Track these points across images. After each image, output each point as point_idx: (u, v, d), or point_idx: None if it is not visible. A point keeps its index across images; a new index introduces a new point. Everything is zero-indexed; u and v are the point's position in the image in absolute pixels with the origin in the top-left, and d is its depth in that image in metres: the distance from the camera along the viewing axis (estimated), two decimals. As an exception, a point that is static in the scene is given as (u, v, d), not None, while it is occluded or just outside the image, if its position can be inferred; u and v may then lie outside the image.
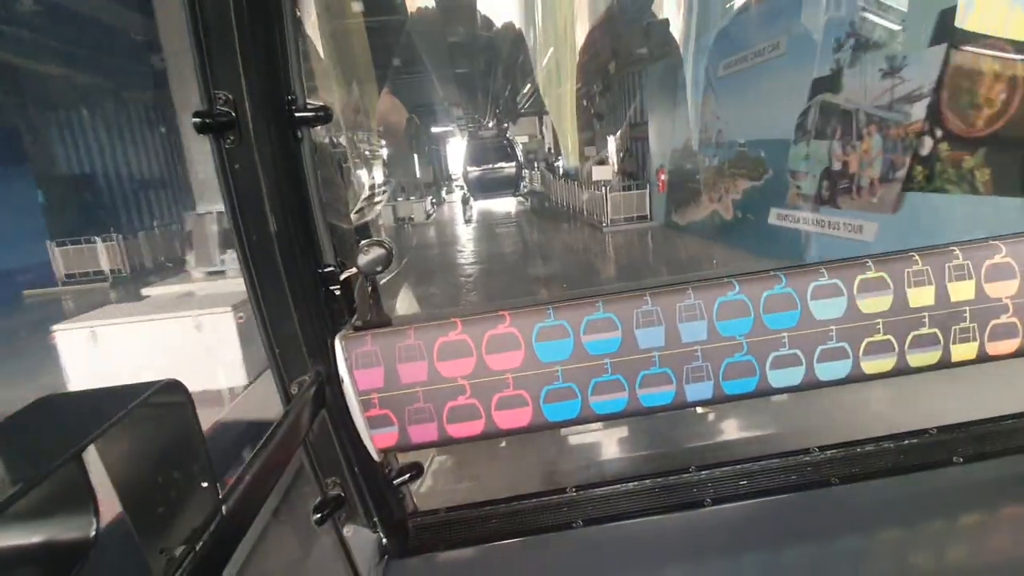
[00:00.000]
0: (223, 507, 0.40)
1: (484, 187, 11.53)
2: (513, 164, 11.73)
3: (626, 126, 9.16)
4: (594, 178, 7.93)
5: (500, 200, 12.48)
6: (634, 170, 8.19)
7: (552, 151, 13.29)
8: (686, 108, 5.88)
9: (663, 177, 6.84)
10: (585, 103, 11.54)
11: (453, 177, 16.29)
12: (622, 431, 1.95)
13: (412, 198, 10.63)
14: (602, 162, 9.03)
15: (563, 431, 1.67)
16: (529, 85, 11.15)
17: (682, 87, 5.97)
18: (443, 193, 14.64)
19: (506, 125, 14.36)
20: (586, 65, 8.45)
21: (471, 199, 11.97)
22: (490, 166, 11.81)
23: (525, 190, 12.78)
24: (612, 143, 10.88)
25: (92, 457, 0.31)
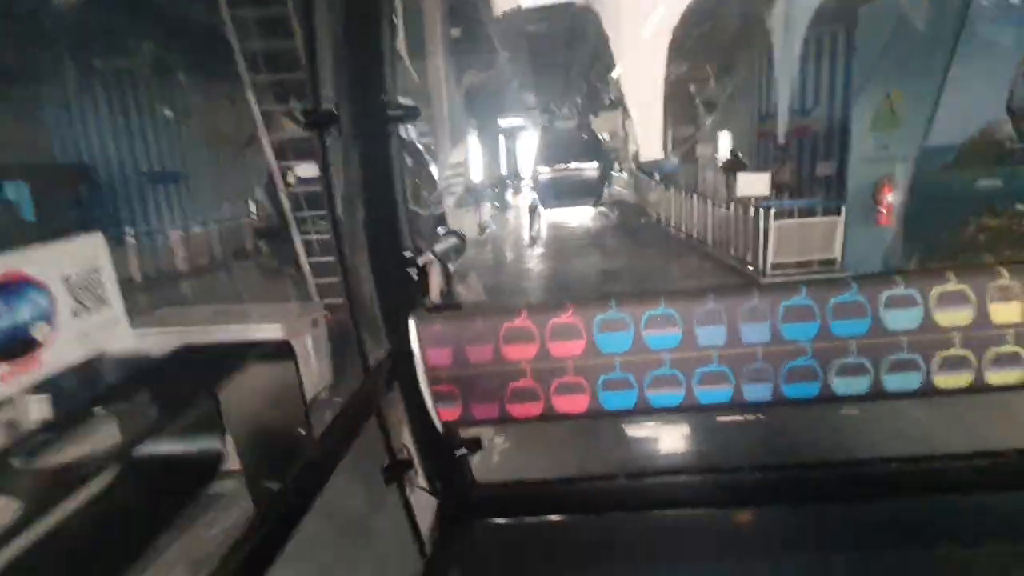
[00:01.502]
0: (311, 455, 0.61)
1: (558, 193, 11.08)
2: (596, 165, 11.18)
3: (755, 118, 8.65)
4: (740, 192, 6.07)
5: (577, 211, 11.97)
6: (788, 181, 7.04)
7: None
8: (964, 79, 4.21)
9: (890, 198, 4.88)
10: (692, 88, 11.45)
11: (521, 176, 16.22)
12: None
13: (463, 206, 9.24)
14: (735, 164, 7.90)
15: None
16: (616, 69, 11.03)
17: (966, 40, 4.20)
18: (508, 195, 14.54)
19: (588, 116, 13.90)
20: (686, 42, 8.37)
21: (539, 208, 11.50)
22: (566, 166, 11.36)
23: (608, 198, 12.18)
24: (724, 140, 10.53)
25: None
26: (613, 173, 13.07)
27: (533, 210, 11.65)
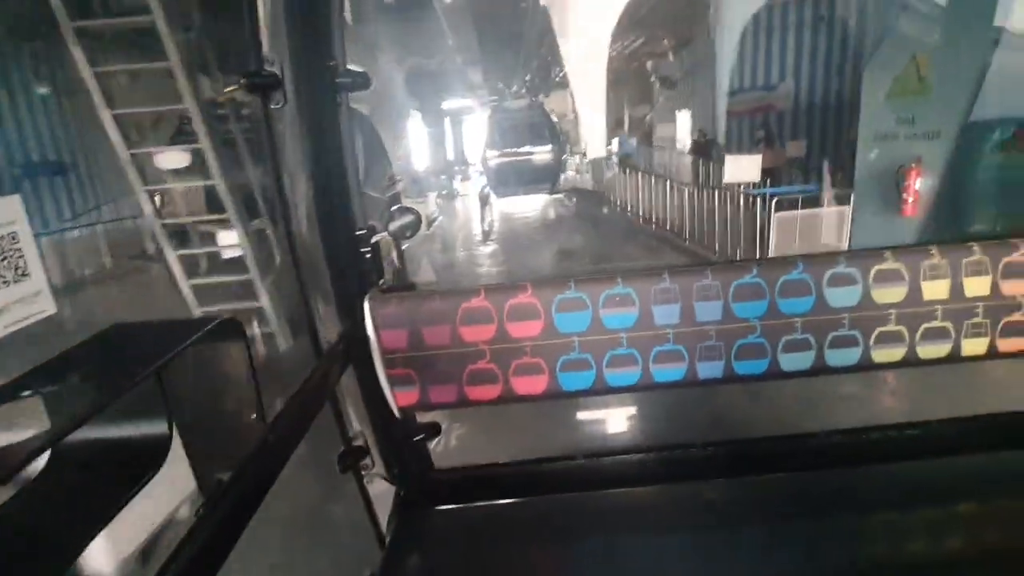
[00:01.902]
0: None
1: (510, 179, 11.00)
2: (550, 148, 11.20)
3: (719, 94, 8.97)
4: (728, 177, 5.27)
5: (532, 199, 11.72)
6: (779, 164, 6.71)
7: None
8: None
9: (917, 184, 3.86)
10: (648, 65, 11.93)
11: (469, 162, 15.92)
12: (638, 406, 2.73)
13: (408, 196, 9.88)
14: (702, 146, 8.24)
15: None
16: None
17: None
18: (457, 184, 14.24)
19: (539, 96, 13.92)
20: (640, 12, 8.69)
21: (491, 196, 11.29)
22: (518, 150, 11.27)
23: (564, 184, 11.97)
24: (683, 119, 11.08)
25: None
26: (566, 157, 13.13)
27: (484, 200, 11.25)
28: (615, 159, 11.06)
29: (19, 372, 0.51)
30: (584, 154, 13.78)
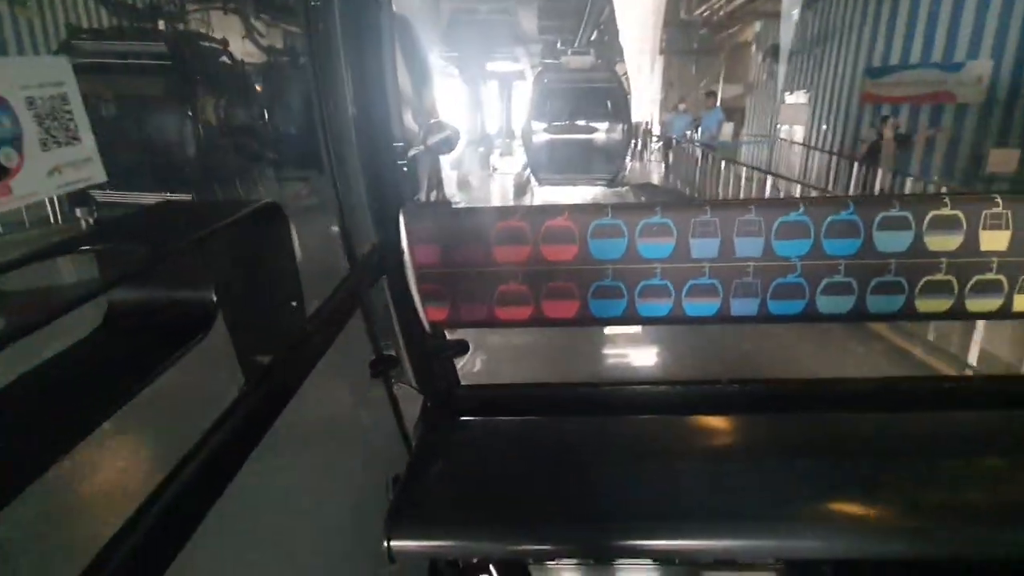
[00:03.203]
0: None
1: (558, 162, 10.41)
2: (620, 127, 10.38)
3: (856, 73, 8.64)
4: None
5: (585, 191, 11.21)
6: None
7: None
8: None
9: None
10: (748, 32, 11.74)
11: (513, 134, 15.46)
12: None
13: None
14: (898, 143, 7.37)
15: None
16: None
17: None
18: (496, 158, 14.27)
19: (613, 57, 13.12)
20: None
21: (532, 183, 11.06)
22: (574, 125, 10.44)
23: (627, 177, 11.34)
24: (794, 101, 10.83)
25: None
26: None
27: (523, 187, 11.03)
28: (696, 146, 10.87)
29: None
30: (650, 134, 13.30)
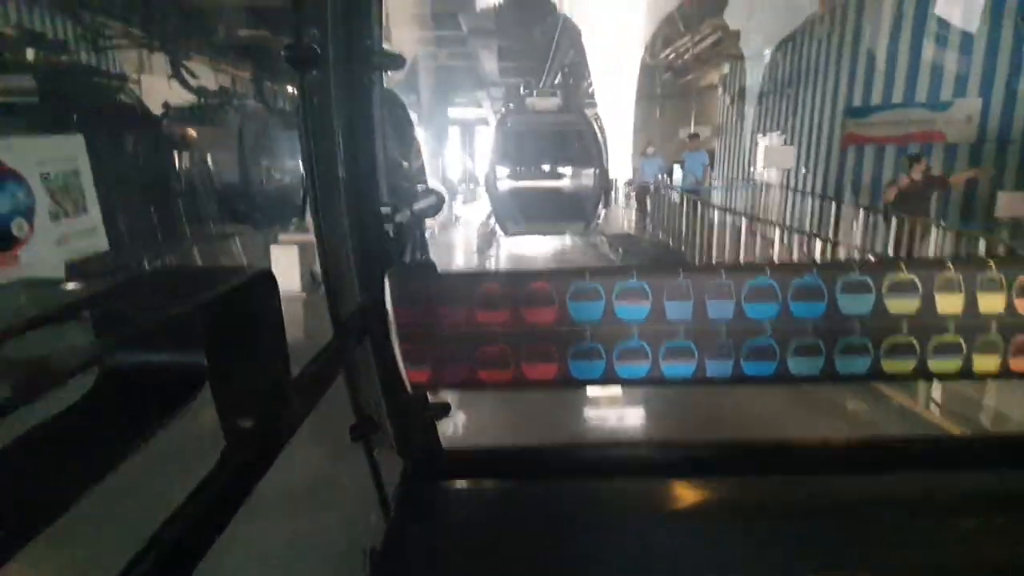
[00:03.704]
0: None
1: (528, 211, 10.48)
2: (591, 171, 10.58)
3: (834, 112, 8.80)
4: None
5: (555, 241, 11.63)
6: None
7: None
8: None
9: None
10: (716, 72, 12.59)
11: (476, 180, 15.96)
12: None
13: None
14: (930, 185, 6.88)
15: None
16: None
17: None
18: (459, 205, 14.66)
19: (580, 98, 13.13)
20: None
21: (497, 234, 11.26)
22: (543, 170, 10.67)
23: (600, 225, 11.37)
24: (769, 143, 11.58)
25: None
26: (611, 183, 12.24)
27: (487, 238, 11.05)
28: (675, 191, 11.11)
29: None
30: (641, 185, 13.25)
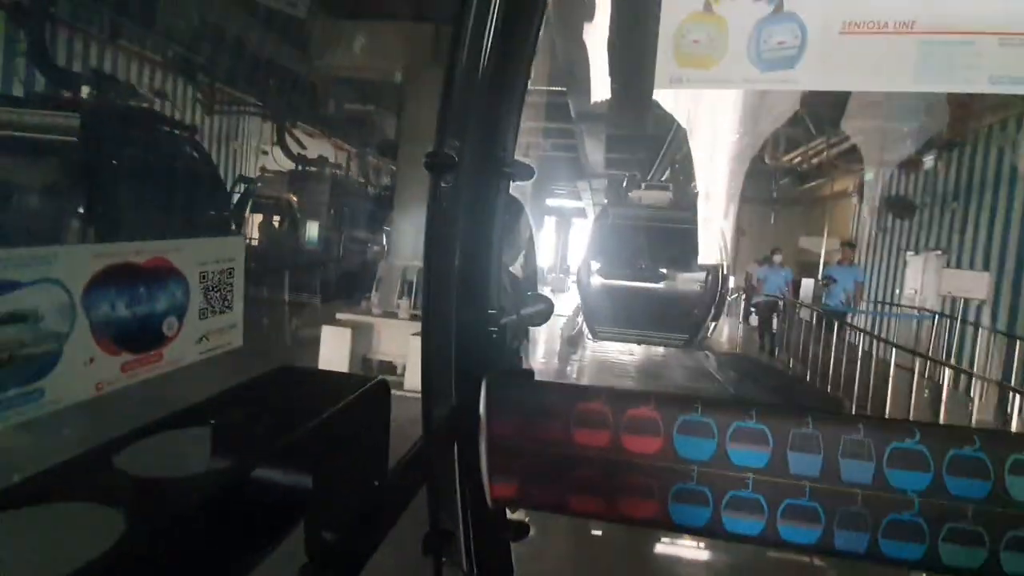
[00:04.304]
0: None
1: (621, 315, 10.19)
2: (701, 277, 10.31)
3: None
4: None
5: (650, 352, 11.12)
6: None
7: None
8: None
9: None
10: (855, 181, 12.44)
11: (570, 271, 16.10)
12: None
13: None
14: None
15: None
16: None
17: None
18: (546, 292, 14.96)
19: (693, 192, 12.56)
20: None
21: (583, 337, 11.17)
22: (644, 270, 10.41)
23: (713, 343, 10.91)
24: (920, 264, 11.06)
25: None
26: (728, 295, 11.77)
27: (573, 341, 10.92)
28: (824, 311, 9.91)
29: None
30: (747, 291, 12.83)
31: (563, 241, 20.66)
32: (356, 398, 0.95)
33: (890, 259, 12.56)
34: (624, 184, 12.38)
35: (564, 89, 11.71)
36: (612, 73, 9.58)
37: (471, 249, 1.39)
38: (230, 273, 1.15)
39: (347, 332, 8.15)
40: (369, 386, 0.99)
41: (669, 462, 1.22)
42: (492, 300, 1.45)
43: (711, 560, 4.41)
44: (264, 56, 11.48)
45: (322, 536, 0.93)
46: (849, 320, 9.93)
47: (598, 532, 4.00)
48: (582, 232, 16.44)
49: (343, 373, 1.13)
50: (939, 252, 11.27)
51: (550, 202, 18.81)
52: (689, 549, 4.45)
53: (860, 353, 8.16)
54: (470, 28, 1.35)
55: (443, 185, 1.36)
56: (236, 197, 11.77)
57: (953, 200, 10.89)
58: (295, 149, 13.20)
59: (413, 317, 8.56)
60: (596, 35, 8.76)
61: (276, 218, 12.32)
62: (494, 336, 1.45)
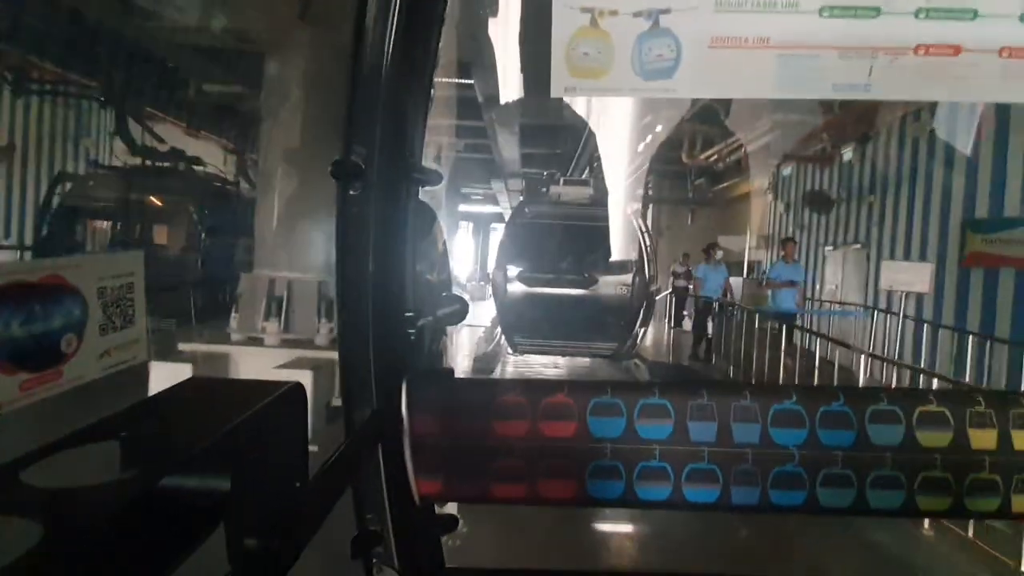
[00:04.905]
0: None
1: (541, 325, 10.01)
2: (628, 279, 10.17)
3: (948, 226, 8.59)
4: None
5: (576, 364, 11.01)
6: None
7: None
8: None
9: None
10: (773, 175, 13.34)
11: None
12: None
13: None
14: None
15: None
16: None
17: None
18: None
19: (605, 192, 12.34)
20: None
21: (508, 349, 10.83)
22: (565, 273, 10.14)
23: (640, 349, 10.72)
24: (839, 259, 12.00)
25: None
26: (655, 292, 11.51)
27: (490, 358, 10.77)
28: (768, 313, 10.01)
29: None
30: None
31: (481, 248, 20.89)
32: (270, 402, 1.02)
33: (808, 255, 13.36)
34: (543, 184, 12.30)
35: (471, 82, 11.60)
36: (522, 66, 9.71)
37: (383, 255, 1.52)
38: (130, 288, 1.23)
39: (186, 370, 6.40)
40: (284, 390, 1.06)
41: (584, 443, 1.42)
42: (408, 303, 1.58)
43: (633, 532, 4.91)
44: (91, 20, 10.34)
45: (244, 543, 1.00)
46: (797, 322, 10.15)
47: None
48: (499, 237, 16.35)
49: (257, 380, 1.20)
50: (858, 246, 11.97)
51: (466, 207, 18.94)
52: (613, 523, 4.93)
53: (805, 355, 8.61)
54: (371, 30, 1.47)
55: (351, 193, 1.49)
56: (56, 201, 11.06)
57: (870, 193, 11.55)
58: (143, 141, 12.22)
59: (284, 343, 7.33)
60: (501, 29, 8.85)
61: (116, 225, 11.58)
62: (412, 338, 1.59)
